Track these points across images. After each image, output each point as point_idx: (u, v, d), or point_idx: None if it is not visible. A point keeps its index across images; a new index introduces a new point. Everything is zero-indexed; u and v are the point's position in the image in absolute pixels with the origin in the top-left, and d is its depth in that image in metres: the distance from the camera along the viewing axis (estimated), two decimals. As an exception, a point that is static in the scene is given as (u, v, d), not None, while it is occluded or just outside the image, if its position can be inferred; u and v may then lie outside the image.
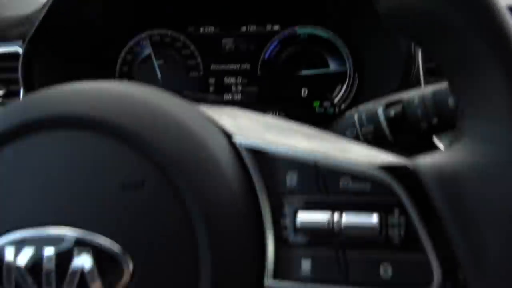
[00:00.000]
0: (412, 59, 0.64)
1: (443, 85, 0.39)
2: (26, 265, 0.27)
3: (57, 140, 0.28)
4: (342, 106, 0.78)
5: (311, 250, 0.27)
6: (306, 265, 0.27)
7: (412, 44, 0.64)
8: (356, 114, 0.43)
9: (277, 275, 0.28)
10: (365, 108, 0.43)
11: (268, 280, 0.28)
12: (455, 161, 0.26)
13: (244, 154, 0.29)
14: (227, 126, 0.30)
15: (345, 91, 0.78)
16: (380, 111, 0.41)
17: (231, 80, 0.81)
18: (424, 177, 0.26)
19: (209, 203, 0.26)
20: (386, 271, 0.26)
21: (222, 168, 0.27)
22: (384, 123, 0.40)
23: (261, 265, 0.28)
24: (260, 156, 0.29)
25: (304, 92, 0.79)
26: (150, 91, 0.30)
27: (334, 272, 0.27)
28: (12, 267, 0.27)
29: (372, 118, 0.41)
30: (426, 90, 0.40)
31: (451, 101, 0.38)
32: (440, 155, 0.27)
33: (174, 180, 0.26)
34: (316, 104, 0.79)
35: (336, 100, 0.78)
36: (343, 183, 0.27)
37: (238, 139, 0.29)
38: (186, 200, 0.26)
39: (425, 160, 0.27)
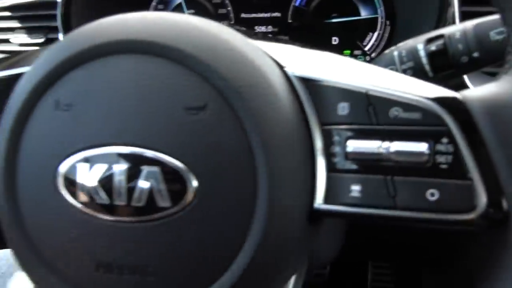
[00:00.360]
0: (447, 4, 0.64)
1: (484, 20, 0.39)
2: (99, 181, 0.29)
3: (126, 64, 0.30)
4: (373, 55, 0.78)
5: (360, 176, 0.29)
6: (355, 190, 0.29)
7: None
8: (395, 51, 0.43)
9: (327, 199, 0.30)
10: (404, 45, 0.43)
11: (319, 204, 0.30)
12: (503, 92, 0.27)
13: (297, 83, 0.31)
14: (279, 58, 0.32)
15: (376, 39, 0.78)
16: (420, 46, 0.42)
17: (262, 28, 0.82)
18: (473, 108, 0.27)
19: (265, 126, 0.28)
20: (433, 196, 0.28)
21: (277, 94, 0.29)
22: (424, 59, 0.41)
23: (312, 190, 0.30)
24: (312, 85, 0.30)
25: (335, 40, 0.79)
26: (212, 23, 0.31)
27: (383, 196, 0.29)
28: (85, 182, 0.29)
29: (412, 54, 0.42)
30: (467, 24, 0.40)
31: (492, 34, 0.39)
32: (489, 87, 0.28)
33: (234, 104, 0.28)
34: (346, 52, 0.79)
35: (367, 48, 0.78)
36: (393, 112, 0.28)
37: (291, 69, 0.31)
38: (244, 122, 0.28)
39: (474, 92, 0.28)
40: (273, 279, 0.30)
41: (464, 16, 0.63)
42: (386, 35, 0.78)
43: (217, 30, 0.30)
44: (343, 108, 0.29)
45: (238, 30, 0.32)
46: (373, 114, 0.29)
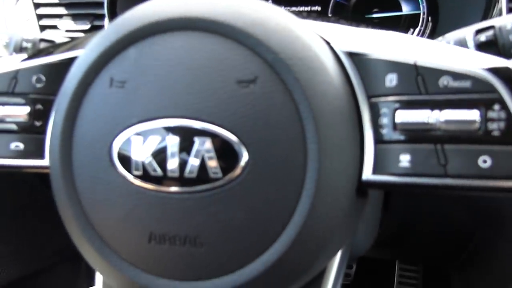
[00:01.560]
0: (495, 1, 0.63)
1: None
2: (152, 153, 0.30)
3: (177, 41, 0.31)
4: (413, 51, 0.77)
5: (409, 146, 0.29)
6: (405, 159, 0.29)
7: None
8: (443, 41, 0.43)
9: (376, 170, 0.30)
10: (452, 35, 0.43)
11: (367, 175, 0.30)
12: None
13: (344, 58, 0.31)
14: (326, 34, 0.32)
15: (417, 35, 0.77)
16: (469, 37, 0.41)
17: (301, 22, 0.82)
18: None
19: (314, 98, 0.28)
20: (485, 163, 0.28)
21: (325, 68, 0.29)
22: (473, 49, 0.41)
23: (361, 162, 0.30)
24: (359, 59, 0.31)
25: (375, 35, 0.79)
26: (262, 2, 0.32)
27: (433, 165, 0.28)
28: (139, 155, 0.30)
29: (461, 44, 0.42)
30: (520, 15, 0.40)
31: (545, 26, 0.38)
32: None
33: (283, 76, 0.29)
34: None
35: (407, 44, 0.77)
36: (443, 82, 0.28)
37: (337, 45, 0.31)
38: (294, 94, 0.29)
39: None
40: (322, 250, 0.30)
41: (512, 12, 0.62)
42: (428, 31, 0.77)
43: (266, 6, 0.31)
44: (391, 80, 0.30)
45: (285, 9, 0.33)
46: (422, 84, 0.29)
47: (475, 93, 0.28)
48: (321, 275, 0.36)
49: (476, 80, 0.28)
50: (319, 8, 0.81)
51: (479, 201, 0.58)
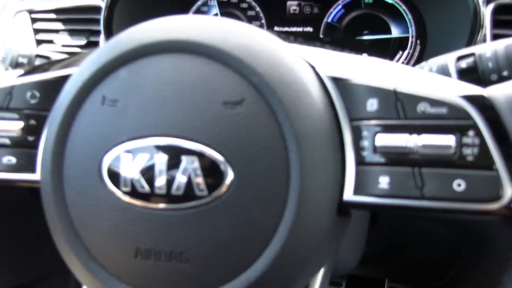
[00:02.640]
0: (480, 26, 0.65)
1: (515, 40, 0.40)
2: (141, 171, 0.31)
3: (168, 62, 0.32)
4: (402, 72, 0.79)
5: (388, 169, 0.30)
6: (384, 181, 0.30)
7: (481, 11, 0.64)
8: (426, 67, 0.45)
9: (356, 191, 0.31)
10: (435, 61, 0.45)
11: (348, 196, 0.31)
12: None
13: (327, 82, 0.32)
14: (310, 59, 0.34)
15: (406, 58, 0.79)
16: (451, 63, 0.43)
17: (293, 42, 0.84)
18: (497, 102, 0.29)
19: (298, 119, 0.30)
20: (459, 186, 0.29)
21: (309, 91, 0.31)
22: (454, 75, 0.42)
23: (342, 183, 0.31)
24: (342, 84, 0.32)
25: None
26: (248, 25, 0.33)
27: (411, 187, 0.30)
28: (128, 172, 0.31)
29: (443, 70, 0.43)
30: (498, 43, 0.41)
31: (522, 54, 0.40)
32: None
33: (269, 98, 0.30)
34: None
35: (396, 66, 0.79)
36: (421, 108, 0.30)
37: (322, 69, 0.33)
38: (278, 116, 0.30)
39: (498, 88, 0.29)
40: (303, 268, 0.31)
41: (496, 39, 0.64)
42: (416, 54, 0.79)
43: (253, 30, 0.33)
44: (372, 105, 0.31)
45: (272, 32, 0.34)
46: (401, 109, 0.30)
47: (451, 119, 0.29)
48: None
49: (452, 107, 0.29)
50: (311, 29, 0.83)
51: (464, 220, 0.59)
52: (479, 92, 0.30)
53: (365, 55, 0.79)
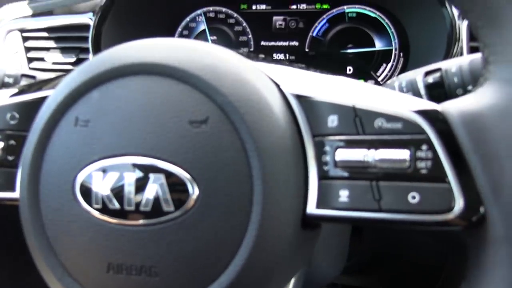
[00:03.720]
0: (455, 39, 0.66)
1: (478, 55, 0.42)
2: (111, 189, 0.32)
3: (137, 84, 0.33)
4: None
5: (348, 183, 0.31)
6: (344, 195, 0.31)
7: (456, 24, 0.66)
8: (396, 82, 0.46)
9: (319, 205, 0.32)
10: (405, 76, 0.46)
11: (311, 209, 0.32)
12: (479, 102, 0.29)
13: (291, 99, 0.34)
14: (275, 77, 0.35)
15: (389, 70, 0.80)
16: (419, 78, 0.44)
17: (280, 56, 0.85)
18: (450, 117, 0.30)
19: (261, 136, 0.31)
20: (414, 199, 0.30)
21: (272, 109, 0.32)
22: (422, 90, 0.44)
23: (305, 196, 0.32)
24: (305, 101, 0.33)
25: (349, 69, 0.82)
26: (213, 46, 0.35)
27: (369, 200, 0.31)
28: (99, 190, 0.32)
29: (412, 85, 0.44)
30: (463, 59, 0.43)
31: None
32: (465, 98, 0.31)
33: (232, 117, 0.31)
34: (360, 81, 0.82)
35: (380, 78, 0.81)
36: (378, 123, 0.31)
37: (285, 87, 0.34)
38: (241, 133, 0.31)
39: (451, 103, 0.31)
40: (269, 280, 0.32)
41: (472, 51, 0.65)
42: (399, 66, 0.80)
43: (218, 52, 0.34)
44: (332, 121, 0.32)
45: (240, 53, 0.36)
46: (359, 125, 0.31)
47: (406, 134, 0.30)
48: None
49: (407, 122, 0.30)
50: (296, 43, 0.85)
51: (444, 231, 0.60)
52: (432, 107, 0.31)
53: (349, 68, 0.81)
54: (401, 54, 0.80)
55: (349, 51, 0.82)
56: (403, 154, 0.30)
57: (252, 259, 0.30)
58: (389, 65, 0.80)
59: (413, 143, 0.30)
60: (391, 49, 0.80)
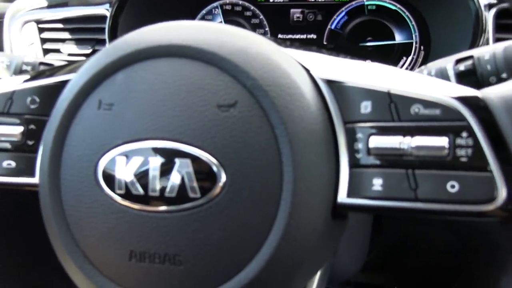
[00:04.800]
0: (482, 30, 0.64)
1: (513, 42, 0.40)
2: (135, 174, 0.31)
3: (163, 66, 0.32)
4: (406, 78, 0.79)
5: (382, 171, 0.30)
6: (377, 183, 0.30)
7: (483, 15, 0.64)
8: (425, 70, 0.45)
9: (350, 194, 0.31)
10: (434, 64, 0.44)
11: (342, 198, 0.31)
12: None
13: (322, 85, 0.32)
14: (305, 62, 0.34)
15: (409, 63, 0.79)
16: (450, 66, 0.43)
17: (297, 49, 0.84)
18: (492, 104, 0.28)
19: (291, 122, 0.30)
20: (453, 188, 0.29)
21: (302, 94, 0.31)
22: (453, 78, 0.42)
23: (336, 185, 0.31)
24: (336, 86, 0.32)
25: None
26: (243, 30, 0.34)
27: (404, 189, 0.29)
28: (122, 175, 0.31)
29: (442, 73, 0.43)
30: (497, 46, 0.41)
31: (521, 56, 0.39)
32: (506, 85, 0.29)
33: (262, 101, 0.30)
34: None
35: (400, 72, 0.79)
36: (414, 109, 0.30)
37: (316, 72, 0.33)
38: (271, 119, 0.30)
39: (492, 89, 0.29)
40: (297, 271, 0.31)
41: (499, 42, 0.63)
42: (420, 60, 0.78)
43: (247, 35, 0.33)
44: (365, 107, 0.31)
45: (269, 38, 0.35)
46: (394, 111, 0.30)
47: (445, 120, 0.29)
48: None
49: (446, 108, 0.29)
50: (314, 36, 0.83)
51: (468, 226, 0.59)
52: (473, 93, 0.30)
53: (368, 61, 0.80)
54: (422, 47, 0.78)
55: (368, 44, 0.80)
56: (442, 141, 0.29)
57: (280, 249, 0.29)
58: (409, 58, 0.79)
59: (452, 130, 0.29)
60: (412, 42, 0.79)
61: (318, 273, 0.37)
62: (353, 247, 0.50)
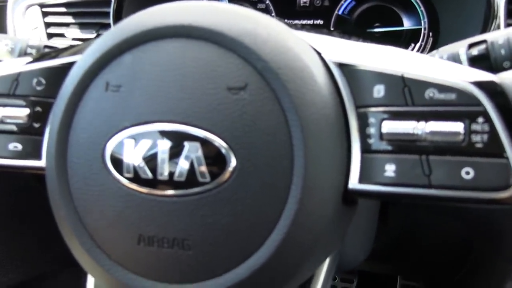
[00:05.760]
0: (493, 16, 0.63)
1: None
2: (143, 157, 0.31)
3: (172, 47, 0.32)
4: (414, 65, 0.78)
5: (395, 156, 0.30)
6: (390, 169, 0.29)
7: (495, 1, 0.63)
8: (436, 55, 0.44)
9: (361, 179, 0.30)
10: (446, 49, 0.44)
11: (353, 184, 0.30)
12: None
13: (333, 68, 0.32)
14: (316, 45, 0.33)
15: (418, 50, 0.78)
16: (462, 51, 0.42)
17: (304, 35, 0.83)
18: (509, 88, 0.28)
19: (302, 105, 0.29)
20: (468, 174, 0.28)
21: (314, 77, 0.30)
22: (465, 63, 0.41)
23: (347, 170, 0.31)
24: (348, 70, 0.31)
25: (376, 49, 0.80)
26: (253, 11, 0.33)
27: (418, 175, 0.29)
28: (131, 158, 0.31)
29: (454, 58, 0.42)
30: (511, 30, 0.40)
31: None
32: None
33: (272, 84, 0.29)
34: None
35: (408, 58, 0.78)
36: (429, 94, 0.29)
37: (327, 55, 0.32)
38: (282, 102, 0.29)
39: (509, 74, 0.28)
40: (307, 257, 0.30)
41: None
42: (428, 46, 0.77)
43: (259, 16, 0.32)
44: (378, 91, 0.30)
45: (279, 20, 0.34)
46: (408, 95, 0.30)
47: (460, 105, 0.28)
48: (308, 282, 0.36)
49: (461, 93, 0.28)
50: (321, 22, 0.82)
51: (476, 214, 0.58)
52: (489, 78, 0.29)
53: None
54: (431, 33, 0.77)
55: (376, 30, 0.79)
56: (457, 126, 0.28)
57: (290, 235, 0.29)
58: (418, 45, 0.78)
59: (468, 115, 0.28)
60: (420, 29, 0.78)
61: (327, 261, 0.37)
62: (360, 236, 0.50)
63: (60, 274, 0.74)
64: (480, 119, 0.28)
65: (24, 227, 0.67)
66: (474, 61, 0.41)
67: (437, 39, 0.77)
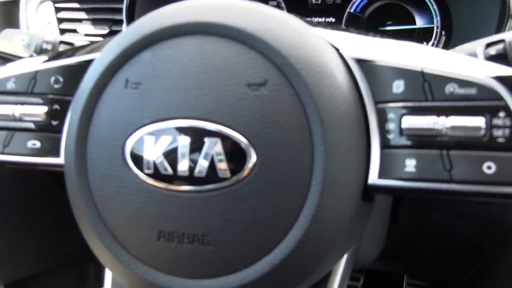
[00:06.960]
0: (509, 15, 0.63)
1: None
2: (163, 153, 0.31)
3: (191, 45, 0.32)
4: (426, 64, 0.78)
5: (415, 152, 0.30)
6: (410, 164, 0.30)
7: (509, 2, 0.63)
8: (453, 54, 0.44)
9: (381, 175, 0.30)
10: (462, 48, 0.43)
11: (373, 179, 0.31)
12: None
13: (352, 64, 0.32)
14: (334, 41, 0.33)
15: (430, 49, 0.77)
16: (479, 50, 0.42)
17: (315, 33, 0.83)
18: None
19: (322, 101, 0.29)
20: (489, 169, 0.28)
21: (333, 73, 0.30)
22: None
23: (367, 166, 0.31)
24: (367, 66, 0.31)
25: (388, 47, 0.79)
26: (272, 8, 0.33)
27: (439, 170, 0.29)
28: (151, 154, 0.31)
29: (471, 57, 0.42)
30: (530, 29, 0.40)
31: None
32: None
33: (292, 79, 0.30)
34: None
35: (420, 57, 0.78)
36: (449, 89, 0.29)
37: (345, 51, 0.32)
38: (302, 98, 0.29)
39: None
40: (326, 253, 0.31)
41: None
42: (441, 45, 0.77)
43: (278, 13, 0.32)
44: (398, 86, 0.30)
45: (296, 16, 0.34)
46: (428, 90, 0.30)
47: (481, 100, 0.28)
48: (326, 279, 0.36)
49: (482, 88, 0.28)
50: (333, 20, 0.82)
51: (487, 214, 0.58)
52: (510, 73, 0.29)
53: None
54: (443, 32, 0.77)
55: (388, 28, 0.79)
56: (478, 121, 0.28)
57: (310, 230, 0.29)
58: (430, 43, 0.77)
59: (489, 110, 0.28)
60: (433, 27, 0.77)
61: (345, 257, 0.37)
62: (374, 234, 0.50)
63: (60, 274, 0.75)
64: (502, 114, 0.28)
65: (30, 223, 0.67)
66: (491, 61, 0.40)
67: (450, 38, 0.77)
